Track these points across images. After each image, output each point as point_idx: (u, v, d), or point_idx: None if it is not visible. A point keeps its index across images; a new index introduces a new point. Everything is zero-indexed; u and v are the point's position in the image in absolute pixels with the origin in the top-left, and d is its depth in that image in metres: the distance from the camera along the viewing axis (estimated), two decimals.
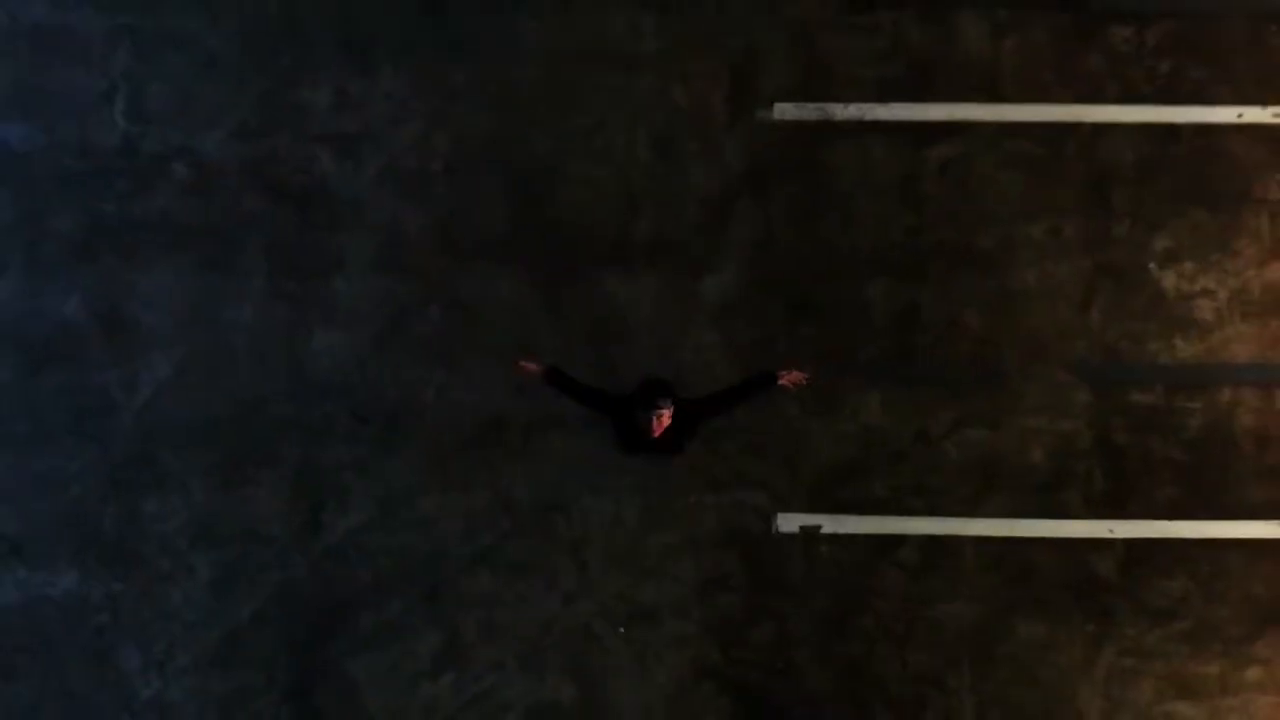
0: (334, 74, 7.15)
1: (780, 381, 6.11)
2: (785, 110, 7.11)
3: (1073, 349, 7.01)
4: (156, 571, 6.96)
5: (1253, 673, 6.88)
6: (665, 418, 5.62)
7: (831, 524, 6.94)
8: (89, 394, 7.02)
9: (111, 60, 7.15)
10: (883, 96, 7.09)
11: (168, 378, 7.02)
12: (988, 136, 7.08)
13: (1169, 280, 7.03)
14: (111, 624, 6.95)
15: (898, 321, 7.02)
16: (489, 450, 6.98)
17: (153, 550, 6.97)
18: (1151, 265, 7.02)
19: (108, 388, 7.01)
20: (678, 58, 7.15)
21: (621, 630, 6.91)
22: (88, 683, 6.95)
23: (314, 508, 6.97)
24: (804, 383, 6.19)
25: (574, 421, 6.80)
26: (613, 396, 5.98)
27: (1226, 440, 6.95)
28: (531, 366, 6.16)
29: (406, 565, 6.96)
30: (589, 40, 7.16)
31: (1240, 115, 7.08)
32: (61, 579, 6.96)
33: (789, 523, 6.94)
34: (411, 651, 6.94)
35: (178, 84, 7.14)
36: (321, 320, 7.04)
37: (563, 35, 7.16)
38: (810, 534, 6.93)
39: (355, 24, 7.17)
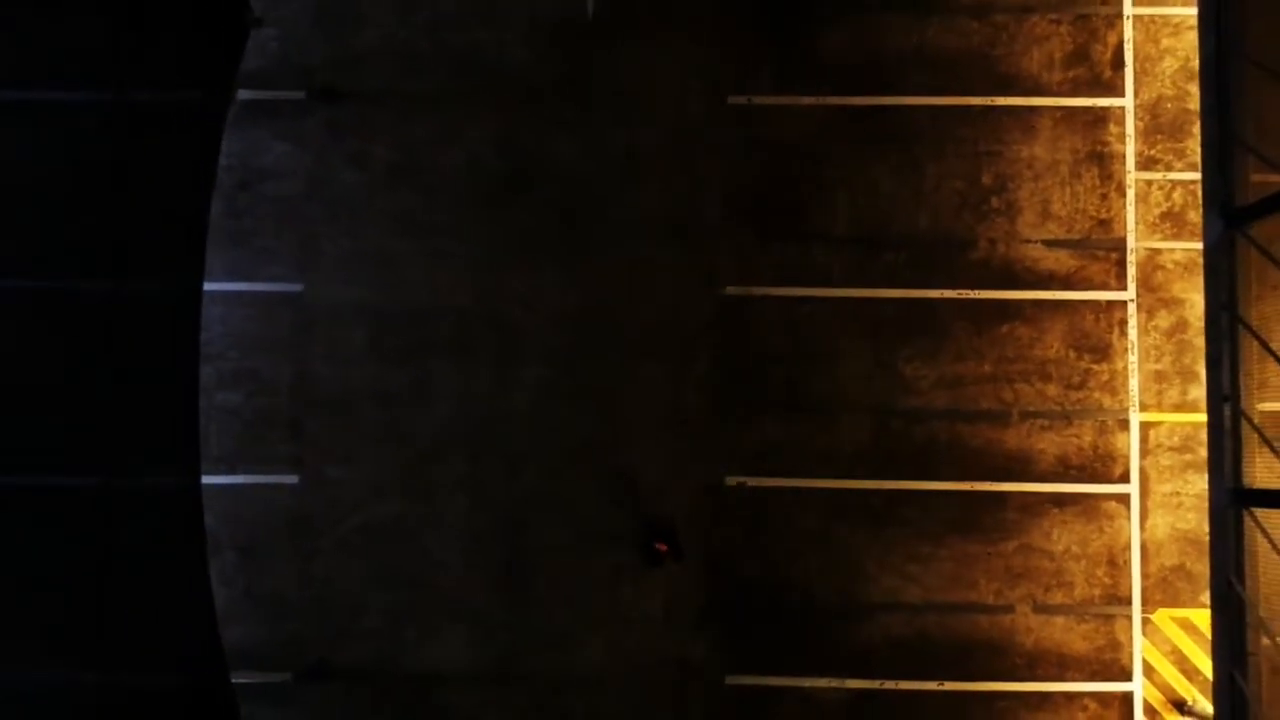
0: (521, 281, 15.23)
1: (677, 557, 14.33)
2: (733, 290, 15.21)
3: (866, 402, 15.11)
4: (438, 505, 14.94)
5: (944, 551, 15.01)
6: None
7: (752, 481, 15.01)
8: (402, 425, 15.01)
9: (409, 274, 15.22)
10: (776, 284, 15.20)
11: (442, 417, 15.01)
12: (831, 304, 15.20)
13: (907, 370, 15.17)
14: (418, 527, 14.92)
15: (786, 388, 15.10)
16: (590, 457, 15.00)
17: (437, 496, 14.95)
18: (898, 363, 15.16)
19: (414, 420, 15.01)
20: (679, 267, 15.22)
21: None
22: (400, 556, 14.91)
23: (504, 477, 14.96)
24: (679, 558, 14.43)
25: (630, 446, 14.87)
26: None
27: (933, 443, 15.08)
28: (664, 548, 14.34)
29: (550, 509, 14.95)
30: (625, 275, 15.26)
31: (942, 294, 15.22)
32: (392, 507, 14.94)
33: (732, 481, 15.00)
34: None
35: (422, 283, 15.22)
36: (512, 395, 15.05)
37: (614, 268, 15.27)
38: (741, 485, 15.00)
39: (514, 256, 15.25)
